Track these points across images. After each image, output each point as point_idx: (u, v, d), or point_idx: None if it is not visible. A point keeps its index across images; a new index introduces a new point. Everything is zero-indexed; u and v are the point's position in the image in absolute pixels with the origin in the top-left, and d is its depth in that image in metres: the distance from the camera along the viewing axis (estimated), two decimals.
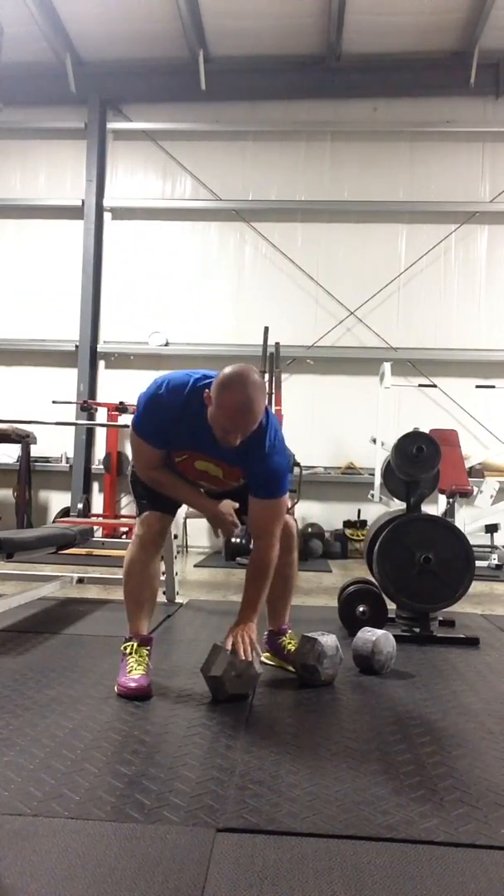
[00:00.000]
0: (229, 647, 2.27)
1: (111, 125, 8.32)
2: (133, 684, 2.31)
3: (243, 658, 2.26)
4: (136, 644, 2.44)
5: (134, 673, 2.35)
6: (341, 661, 2.56)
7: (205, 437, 2.24)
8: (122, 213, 8.38)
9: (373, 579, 3.53)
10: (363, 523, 7.52)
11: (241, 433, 2.15)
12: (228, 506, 2.43)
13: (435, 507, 6.08)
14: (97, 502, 8.11)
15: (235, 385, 2.09)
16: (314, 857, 1.37)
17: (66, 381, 8.12)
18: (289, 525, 2.59)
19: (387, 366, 6.68)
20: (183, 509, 3.02)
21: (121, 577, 2.51)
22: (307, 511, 7.71)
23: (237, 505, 2.44)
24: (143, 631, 2.48)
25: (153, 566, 2.50)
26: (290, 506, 5.90)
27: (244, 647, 2.28)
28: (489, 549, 6.57)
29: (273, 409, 6.57)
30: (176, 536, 4.01)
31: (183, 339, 8.07)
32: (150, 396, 2.27)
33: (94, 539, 5.69)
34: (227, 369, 2.13)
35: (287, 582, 2.69)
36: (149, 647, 2.47)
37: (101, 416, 7.53)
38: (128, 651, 2.43)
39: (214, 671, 2.27)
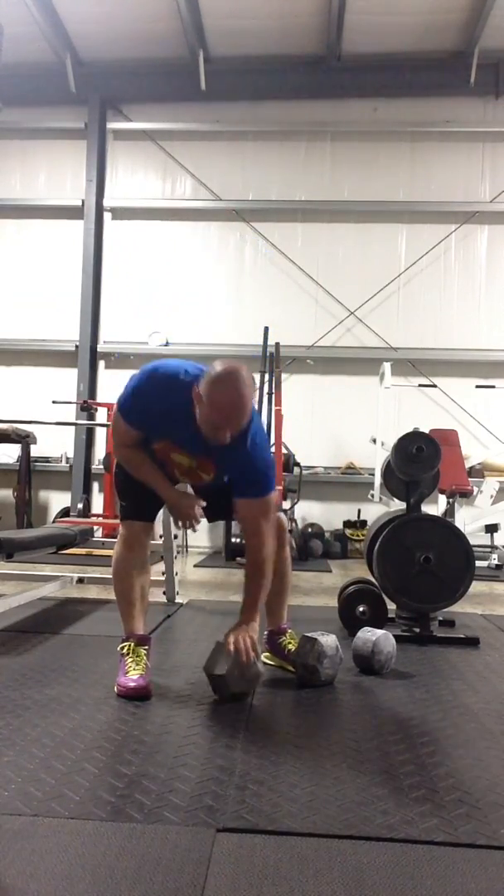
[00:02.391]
0: (231, 648, 2.26)
1: (111, 125, 8.32)
2: (132, 684, 2.31)
3: (245, 660, 2.25)
4: (132, 644, 2.44)
5: (132, 673, 2.35)
6: (341, 661, 2.56)
7: (186, 432, 2.24)
8: (122, 213, 8.37)
9: (373, 579, 3.53)
10: (363, 523, 7.52)
11: (232, 430, 2.14)
12: (193, 500, 2.38)
13: (435, 507, 6.08)
14: (97, 502, 8.10)
15: (228, 381, 2.09)
16: (314, 857, 1.37)
17: (66, 381, 8.12)
18: (279, 521, 2.58)
19: (387, 366, 6.68)
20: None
21: None
22: (307, 511, 7.70)
23: (204, 503, 2.39)
24: (139, 630, 2.48)
25: (141, 564, 2.52)
26: (285, 506, 5.84)
27: (245, 648, 2.26)
28: (489, 549, 6.57)
29: (273, 409, 6.57)
30: (176, 536, 4.01)
31: (183, 339, 8.07)
32: (140, 383, 2.26)
33: (94, 539, 5.68)
34: (218, 366, 2.12)
35: (283, 578, 2.65)
36: (146, 647, 2.47)
37: (101, 416, 7.52)
38: (125, 651, 2.43)
39: (218, 670, 2.27)
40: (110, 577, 4.45)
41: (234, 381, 2.09)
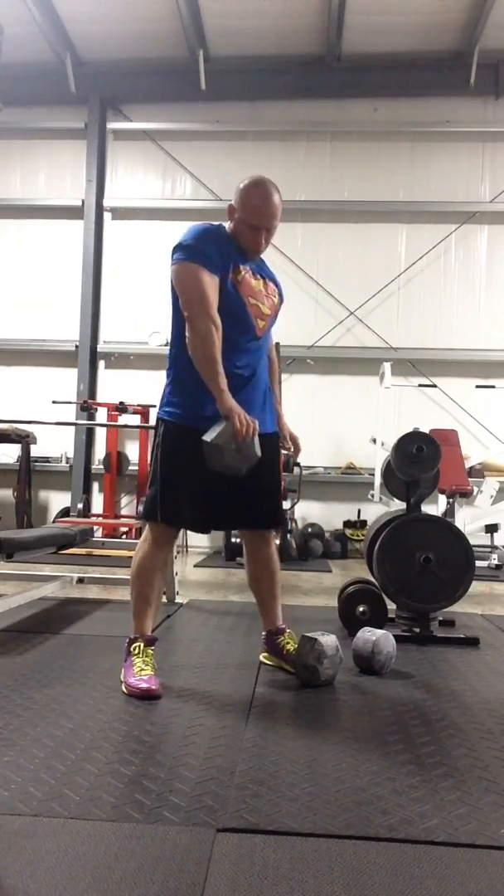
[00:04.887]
0: (237, 423, 2.19)
1: (111, 125, 8.31)
2: (144, 685, 2.30)
3: (244, 436, 2.21)
4: (142, 644, 2.43)
5: (143, 673, 2.35)
6: (341, 661, 2.56)
7: (238, 255, 2.41)
8: (122, 213, 8.38)
9: (373, 579, 3.53)
10: (363, 523, 7.52)
11: (267, 228, 2.37)
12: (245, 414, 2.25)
13: (435, 507, 6.08)
14: (97, 502, 8.10)
15: (260, 183, 2.36)
16: (314, 857, 1.37)
17: (66, 381, 8.12)
18: None
19: (387, 366, 6.68)
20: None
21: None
22: (307, 511, 7.70)
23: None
24: (149, 631, 2.48)
25: (163, 564, 2.51)
26: (285, 506, 5.80)
27: (248, 424, 2.21)
28: (489, 549, 6.57)
29: None
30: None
31: None
32: (197, 229, 2.36)
33: (94, 539, 5.67)
34: (247, 178, 2.39)
35: (274, 575, 2.67)
36: (153, 647, 2.47)
37: (101, 416, 7.52)
38: (135, 651, 2.42)
39: (216, 439, 2.19)
40: (110, 576, 4.48)
41: (265, 183, 2.36)
